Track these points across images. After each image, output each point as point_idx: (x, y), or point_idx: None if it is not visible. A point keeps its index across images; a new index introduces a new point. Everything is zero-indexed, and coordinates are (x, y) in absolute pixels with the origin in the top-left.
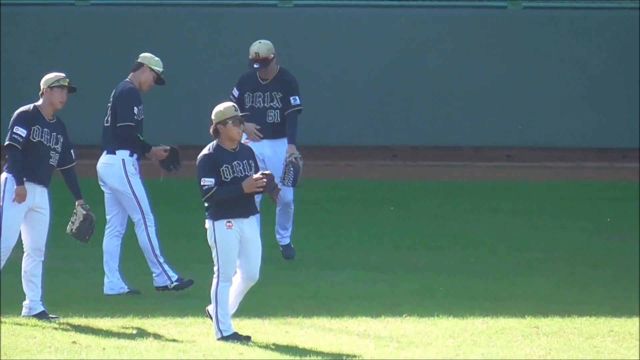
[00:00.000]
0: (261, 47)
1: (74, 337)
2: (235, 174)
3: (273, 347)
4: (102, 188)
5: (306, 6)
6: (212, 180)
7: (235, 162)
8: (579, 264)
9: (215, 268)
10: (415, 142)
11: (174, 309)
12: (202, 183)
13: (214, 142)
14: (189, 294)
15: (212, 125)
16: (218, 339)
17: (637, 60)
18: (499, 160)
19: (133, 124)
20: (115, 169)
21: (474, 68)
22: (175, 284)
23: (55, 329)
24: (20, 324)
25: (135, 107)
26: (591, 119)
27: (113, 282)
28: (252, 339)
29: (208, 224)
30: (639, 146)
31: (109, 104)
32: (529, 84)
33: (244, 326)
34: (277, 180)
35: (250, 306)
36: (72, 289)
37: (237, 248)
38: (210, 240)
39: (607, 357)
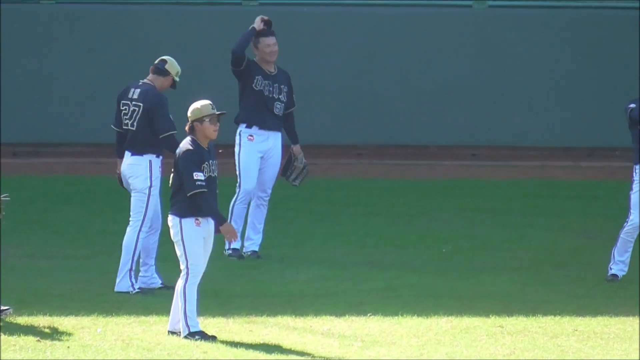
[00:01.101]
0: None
1: (38, 336)
2: (210, 173)
3: (237, 346)
4: (127, 188)
5: (271, 4)
6: (203, 176)
7: (210, 161)
8: (544, 263)
9: (182, 266)
10: (381, 141)
11: (138, 307)
12: (195, 177)
13: (190, 138)
14: (153, 293)
15: (188, 123)
16: (185, 336)
17: (602, 59)
18: (465, 159)
19: (175, 131)
20: (142, 169)
21: (440, 67)
22: (136, 290)
23: (20, 327)
24: None
25: (169, 114)
26: (557, 118)
27: (147, 277)
28: (217, 337)
29: (173, 221)
30: (604, 145)
31: (130, 106)
32: (494, 83)
33: (208, 325)
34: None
35: (215, 305)
36: (38, 288)
37: (202, 246)
38: (177, 237)
39: (571, 356)
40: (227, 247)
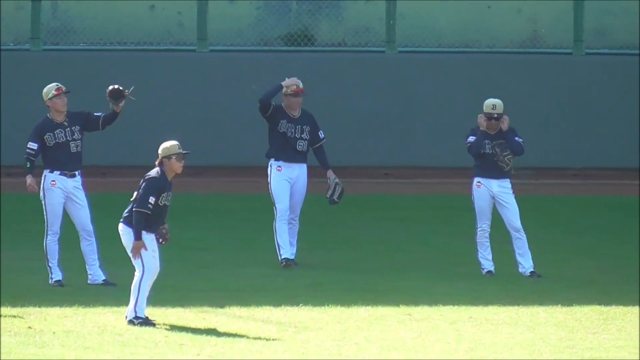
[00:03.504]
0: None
1: (29, 323)
2: (165, 202)
3: (192, 331)
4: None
5: (220, 51)
6: (155, 201)
7: (168, 192)
8: (444, 262)
9: (137, 267)
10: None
11: (111, 299)
12: (149, 200)
13: (159, 169)
14: (124, 287)
15: (158, 158)
16: (131, 319)
17: (491, 95)
18: (379, 178)
19: (27, 149)
20: (41, 182)
21: (358, 101)
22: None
23: (14, 316)
24: None
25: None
26: (454, 143)
27: (91, 274)
28: (176, 324)
29: (125, 229)
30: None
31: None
32: (403, 114)
33: (169, 314)
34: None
35: (174, 297)
36: (30, 284)
37: (152, 248)
38: (128, 243)
39: (467, 339)
40: (279, 258)
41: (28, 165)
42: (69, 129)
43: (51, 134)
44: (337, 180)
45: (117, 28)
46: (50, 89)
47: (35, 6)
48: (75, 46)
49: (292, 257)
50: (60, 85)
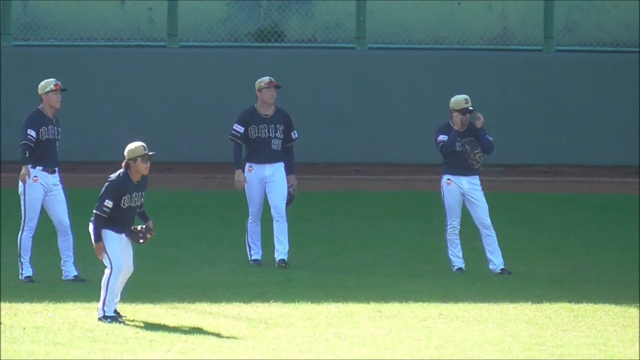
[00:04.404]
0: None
1: None
2: (130, 203)
3: (163, 327)
4: None
5: (190, 47)
6: (112, 204)
7: (134, 193)
8: (415, 259)
9: (107, 265)
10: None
11: (81, 295)
12: (105, 203)
13: (123, 170)
14: (94, 283)
15: (125, 160)
16: (100, 318)
17: (461, 91)
18: (349, 174)
19: (24, 141)
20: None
21: (328, 97)
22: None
23: None
24: None
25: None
26: (424, 139)
27: (64, 269)
28: (146, 320)
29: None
30: None
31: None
32: (373, 111)
33: (139, 311)
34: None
35: (144, 294)
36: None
37: (119, 246)
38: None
39: (437, 336)
40: (249, 258)
41: (27, 155)
42: (56, 127)
43: (45, 128)
44: (293, 186)
45: (87, 24)
46: (48, 83)
47: (6, 2)
48: (46, 42)
49: (285, 257)
50: (58, 82)
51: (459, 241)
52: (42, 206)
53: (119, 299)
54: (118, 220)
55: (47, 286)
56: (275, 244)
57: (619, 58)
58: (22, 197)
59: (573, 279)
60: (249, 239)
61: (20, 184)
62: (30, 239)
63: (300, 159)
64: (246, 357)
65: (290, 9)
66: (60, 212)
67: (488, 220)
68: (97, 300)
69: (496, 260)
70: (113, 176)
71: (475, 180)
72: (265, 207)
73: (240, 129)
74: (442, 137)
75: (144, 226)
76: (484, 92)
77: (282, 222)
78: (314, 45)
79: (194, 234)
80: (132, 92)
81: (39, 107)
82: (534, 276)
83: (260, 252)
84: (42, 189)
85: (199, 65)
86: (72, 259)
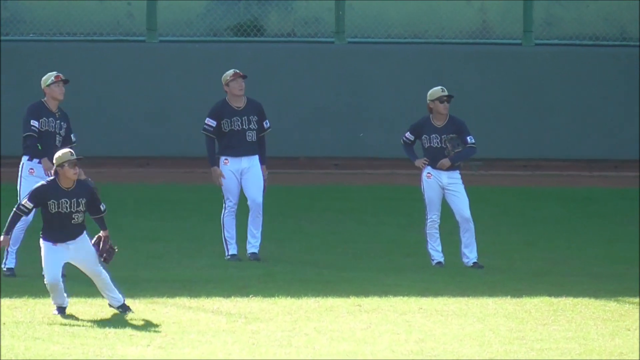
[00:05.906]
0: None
1: None
2: (59, 209)
3: (142, 322)
4: None
5: (170, 42)
6: (31, 206)
7: (63, 200)
8: (394, 253)
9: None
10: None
11: None
12: (23, 202)
13: (53, 178)
14: (74, 278)
15: (53, 167)
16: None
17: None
18: (329, 168)
19: (28, 133)
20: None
21: (307, 92)
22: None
23: None
24: None
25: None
26: (404, 133)
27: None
28: (125, 315)
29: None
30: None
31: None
32: (353, 105)
33: None
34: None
35: (124, 288)
36: None
37: (52, 258)
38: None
39: (417, 330)
40: (226, 253)
41: (40, 147)
42: (58, 121)
43: (46, 119)
44: (265, 178)
45: (66, 19)
46: (49, 76)
47: None
48: (25, 37)
49: (257, 250)
50: (59, 73)
51: (438, 235)
52: None
53: (66, 301)
54: (54, 228)
55: (27, 281)
56: (248, 237)
57: (598, 52)
58: (18, 190)
59: (553, 272)
60: (226, 234)
61: (18, 179)
62: (23, 230)
63: (280, 153)
64: (226, 352)
65: (269, 3)
66: None
67: (468, 213)
68: (80, 295)
69: (470, 254)
70: (43, 181)
71: (456, 174)
72: (241, 199)
73: (212, 122)
74: (409, 135)
75: (104, 236)
76: (464, 86)
77: (259, 216)
78: (293, 40)
79: (173, 228)
80: (112, 86)
81: (42, 99)
82: (513, 270)
83: (236, 246)
84: (38, 182)
85: (179, 60)
86: None
